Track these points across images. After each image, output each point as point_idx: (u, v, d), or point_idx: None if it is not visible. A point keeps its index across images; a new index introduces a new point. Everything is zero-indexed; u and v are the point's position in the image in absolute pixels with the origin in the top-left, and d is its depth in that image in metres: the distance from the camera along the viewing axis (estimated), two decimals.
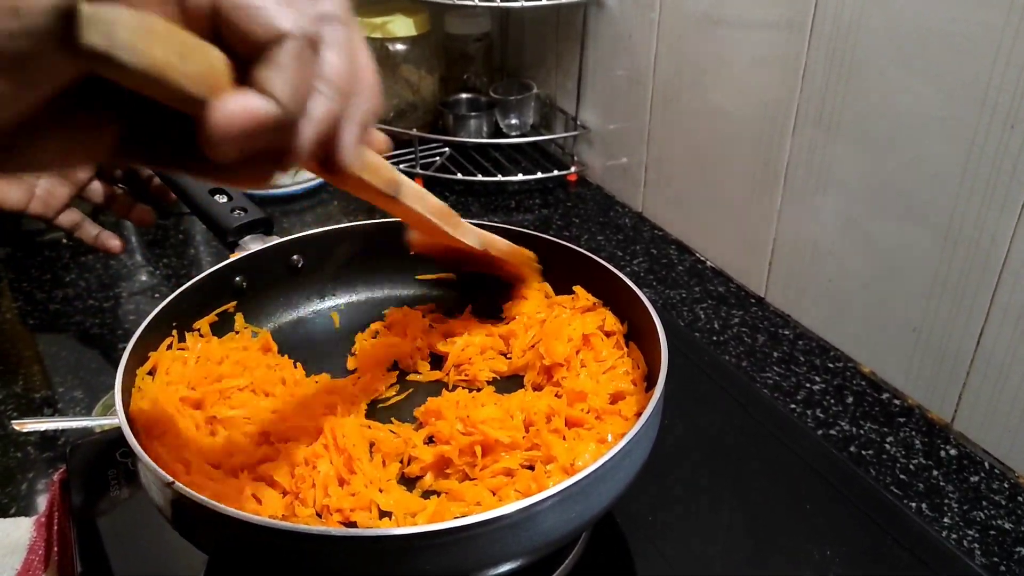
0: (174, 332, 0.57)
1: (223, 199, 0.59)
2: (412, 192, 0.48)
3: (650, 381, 0.55)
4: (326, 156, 0.34)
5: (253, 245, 0.59)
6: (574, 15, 1.10)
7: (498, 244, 0.61)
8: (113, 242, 0.68)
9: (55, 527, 0.56)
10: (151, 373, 0.54)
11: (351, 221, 1.05)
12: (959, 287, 0.68)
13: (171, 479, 0.39)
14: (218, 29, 0.30)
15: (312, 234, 0.66)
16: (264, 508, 0.46)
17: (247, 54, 0.30)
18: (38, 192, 0.62)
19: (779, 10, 0.79)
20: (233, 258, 0.61)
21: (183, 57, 0.28)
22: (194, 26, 0.29)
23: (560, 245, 0.64)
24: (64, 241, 0.98)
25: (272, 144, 0.31)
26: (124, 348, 0.52)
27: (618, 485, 0.44)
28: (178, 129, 0.31)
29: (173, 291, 0.91)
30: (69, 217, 0.67)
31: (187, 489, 0.38)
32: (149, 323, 0.53)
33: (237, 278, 0.62)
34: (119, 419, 0.43)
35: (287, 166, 0.33)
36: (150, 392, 0.51)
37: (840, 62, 0.74)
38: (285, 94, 0.30)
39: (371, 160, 0.43)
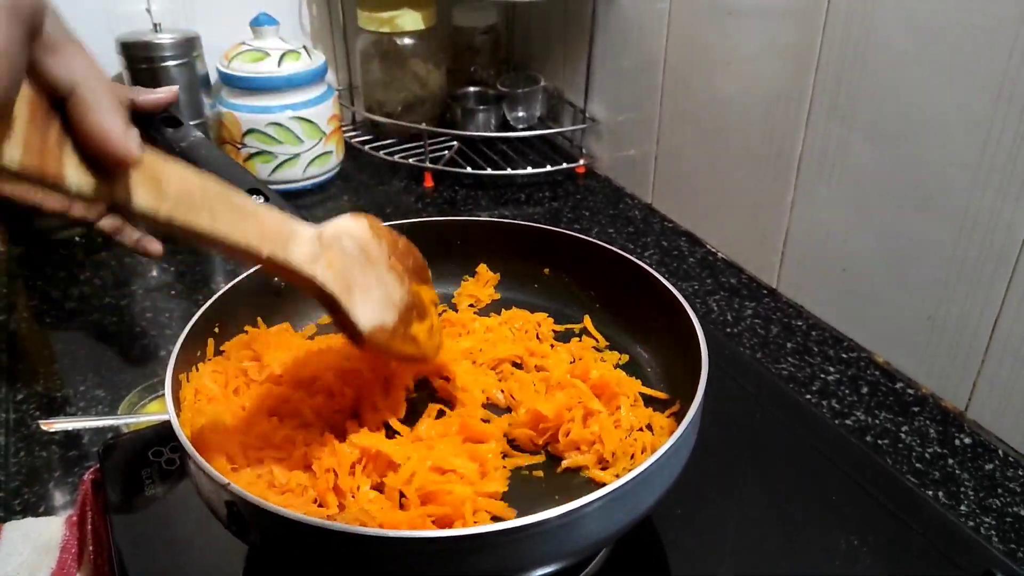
0: (217, 329, 0.58)
1: (259, 200, 0.59)
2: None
3: (676, 379, 0.56)
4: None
5: None
6: (582, 7, 1.10)
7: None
8: (154, 246, 0.69)
9: (88, 526, 0.56)
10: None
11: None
12: (975, 275, 0.69)
13: (227, 481, 0.39)
14: None
15: None
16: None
17: None
18: None
19: None
20: None
21: None
22: None
23: (596, 246, 0.65)
24: (77, 239, 0.98)
25: None
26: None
27: (662, 487, 0.45)
28: None
29: (189, 288, 0.91)
30: (111, 222, 0.67)
31: (245, 492, 0.39)
32: (193, 326, 0.54)
33: (276, 278, 0.62)
34: (173, 426, 0.43)
35: None
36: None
37: (855, 51, 0.74)
38: None
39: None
